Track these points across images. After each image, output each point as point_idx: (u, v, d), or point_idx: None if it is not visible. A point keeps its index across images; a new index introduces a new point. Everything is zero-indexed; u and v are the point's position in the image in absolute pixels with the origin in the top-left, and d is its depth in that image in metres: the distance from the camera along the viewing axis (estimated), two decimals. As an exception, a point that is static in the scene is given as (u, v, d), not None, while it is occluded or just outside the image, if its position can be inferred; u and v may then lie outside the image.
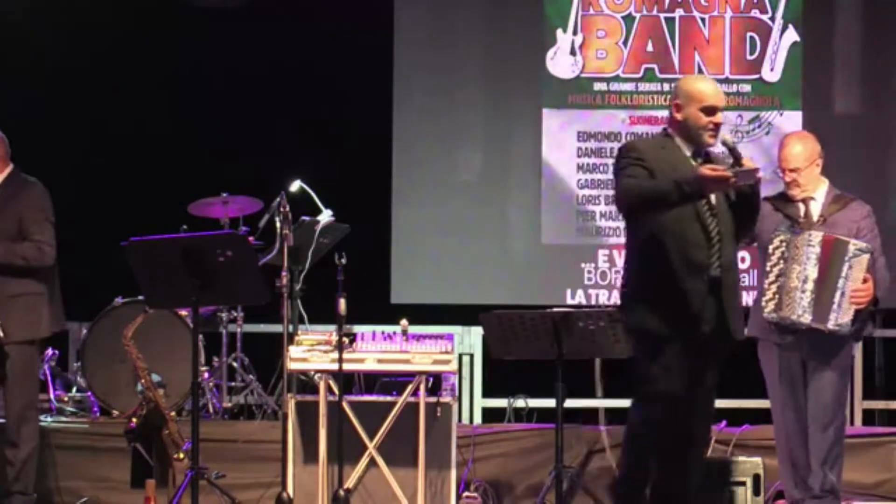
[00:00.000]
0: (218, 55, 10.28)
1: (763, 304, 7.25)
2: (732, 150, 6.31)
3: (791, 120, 10.32)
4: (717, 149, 6.54)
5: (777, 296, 7.19)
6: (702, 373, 6.35)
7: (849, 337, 7.28)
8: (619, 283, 9.78)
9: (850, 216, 7.31)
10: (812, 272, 7.13)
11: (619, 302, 6.67)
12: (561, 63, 10.44)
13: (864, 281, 7.14)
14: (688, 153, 6.40)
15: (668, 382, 6.24)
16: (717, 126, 6.39)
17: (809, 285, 7.13)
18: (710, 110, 6.38)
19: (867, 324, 7.43)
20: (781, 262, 7.21)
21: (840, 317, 7.11)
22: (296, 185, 8.36)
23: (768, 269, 7.25)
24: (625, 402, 9.87)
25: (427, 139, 10.43)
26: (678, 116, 6.42)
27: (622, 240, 10.23)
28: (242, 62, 10.30)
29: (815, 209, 7.34)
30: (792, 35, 10.40)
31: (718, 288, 6.33)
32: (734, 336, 6.40)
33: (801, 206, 7.36)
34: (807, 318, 7.13)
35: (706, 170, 6.19)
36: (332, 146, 10.18)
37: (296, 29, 10.34)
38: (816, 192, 7.36)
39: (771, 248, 7.26)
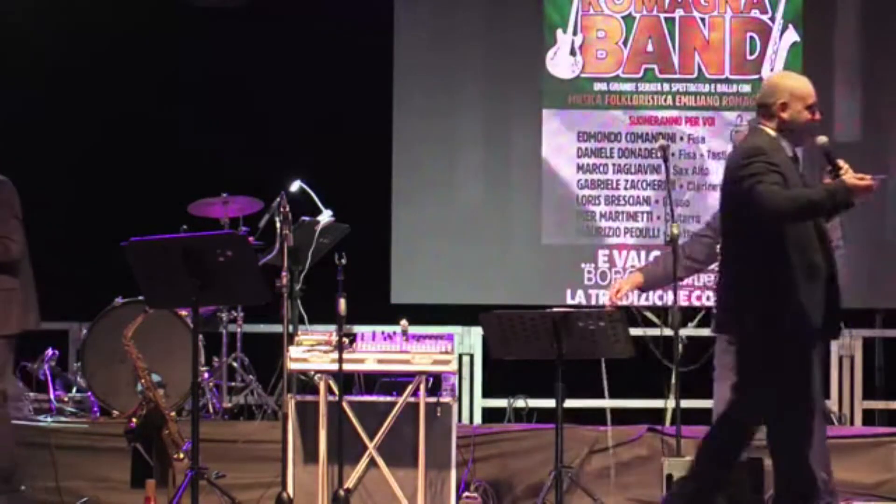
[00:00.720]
0: (218, 55, 10.28)
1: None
2: (829, 154, 6.20)
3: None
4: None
5: None
6: None
7: None
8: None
9: None
10: None
11: (723, 308, 6.46)
12: (561, 63, 10.45)
13: None
14: (790, 154, 6.28)
15: (816, 383, 6.26)
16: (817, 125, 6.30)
17: None
18: (814, 108, 6.28)
19: None
20: None
21: None
22: (296, 185, 8.35)
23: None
24: (625, 403, 9.94)
25: (427, 139, 10.43)
26: (784, 116, 6.24)
27: (622, 240, 10.26)
28: (242, 62, 10.30)
29: None
30: (792, 35, 10.41)
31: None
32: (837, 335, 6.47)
33: None
34: None
35: (853, 178, 6.08)
36: (332, 146, 10.18)
37: (296, 29, 10.34)
38: None
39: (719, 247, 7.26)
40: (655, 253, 9.43)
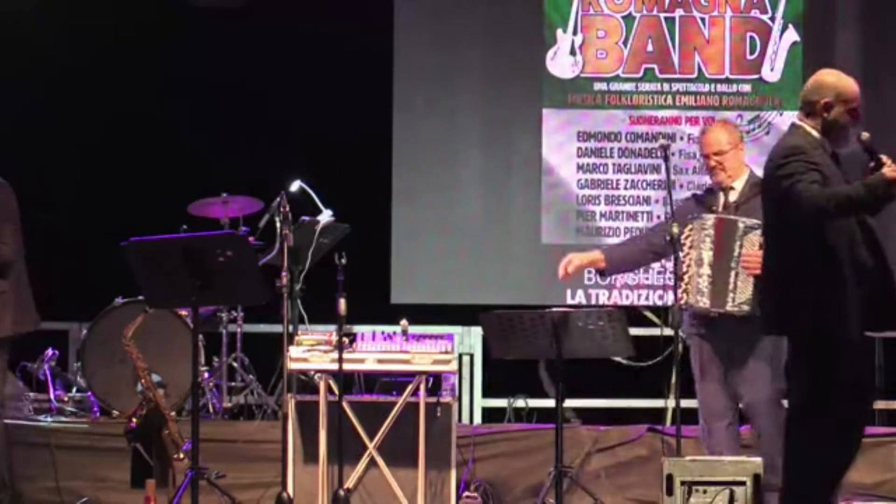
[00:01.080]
0: (218, 55, 10.28)
1: (679, 294, 7.28)
2: (871, 149, 6.14)
3: (791, 120, 10.26)
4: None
5: (688, 285, 7.22)
6: None
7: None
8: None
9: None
10: (707, 256, 7.15)
11: (767, 308, 6.43)
12: (561, 63, 10.45)
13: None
14: (830, 153, 6.24)
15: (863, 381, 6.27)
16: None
17: (706, 269, 7.14)
18: (856, 112, 6.24)
19: None
20: (690, 250, 7.24)
21: (738, 296, 7.10)
22: (296, 185, 8.35)
23: (682, 259, 7.27)
24: (625, 403, 9.93)
25: (427, 139, 10.43)
26: (827, 116, 6.20)
27: (622, 240, 10.25)
28: (242, 62, 10.30)
29: (734, 198, 7.37)
30: (792, 35, 10.41)
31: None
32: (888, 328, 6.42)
33: (721, 197, 7.40)
34: (704, 303, 7.13)
35: (893, 171, 6.02)
36: (333, 146, 10.18)
37: (296, 29, 10.33)
38: (737, 181, 7.38)
39: (682, 238, 7.28)
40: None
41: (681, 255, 7.32)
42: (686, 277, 7.26)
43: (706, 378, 7.36)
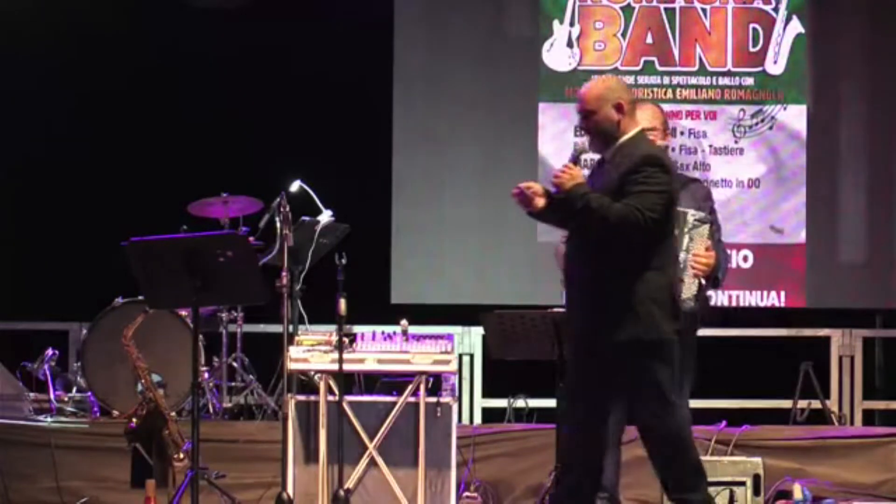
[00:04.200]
0: (218, 55, 10.28)
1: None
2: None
3: (795, 114, 10.26)
4: None
5: None
6: None
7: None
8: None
9: (692, 197, 7.09)
10: None
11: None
12: (557, 55, 10.36)
13: (707, 250, 6.97)
14: None
15: None
16: None
17: None
18: None
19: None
20: None
21: (684, 291, 7.01)
22: (296, 185, 8.36)
23: None
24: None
25: (426, 138, 10.40)
26: None
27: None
28: (242, 62, 10.30)
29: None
30: (796, 26, 10.29)
31: None
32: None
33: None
34: None
35: None
36: (333, 146, 10.18)
37: (296, 28, 10.33)
38: None
39: None
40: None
41: None
42: None
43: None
